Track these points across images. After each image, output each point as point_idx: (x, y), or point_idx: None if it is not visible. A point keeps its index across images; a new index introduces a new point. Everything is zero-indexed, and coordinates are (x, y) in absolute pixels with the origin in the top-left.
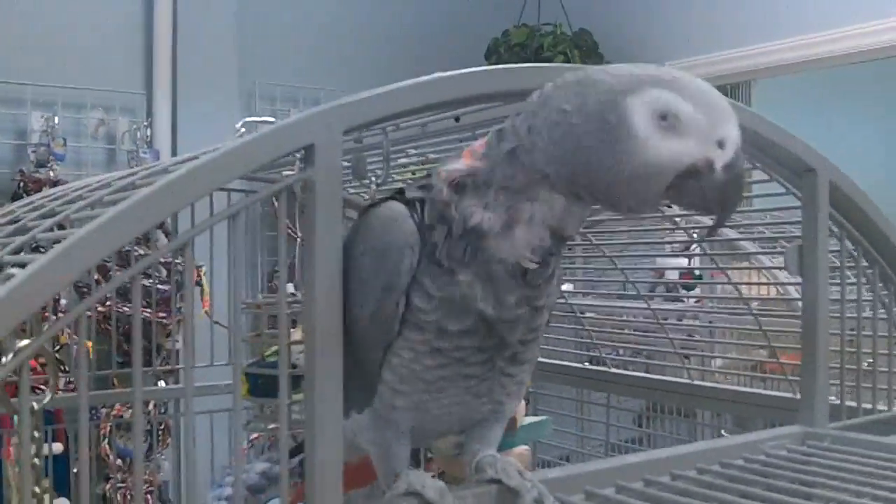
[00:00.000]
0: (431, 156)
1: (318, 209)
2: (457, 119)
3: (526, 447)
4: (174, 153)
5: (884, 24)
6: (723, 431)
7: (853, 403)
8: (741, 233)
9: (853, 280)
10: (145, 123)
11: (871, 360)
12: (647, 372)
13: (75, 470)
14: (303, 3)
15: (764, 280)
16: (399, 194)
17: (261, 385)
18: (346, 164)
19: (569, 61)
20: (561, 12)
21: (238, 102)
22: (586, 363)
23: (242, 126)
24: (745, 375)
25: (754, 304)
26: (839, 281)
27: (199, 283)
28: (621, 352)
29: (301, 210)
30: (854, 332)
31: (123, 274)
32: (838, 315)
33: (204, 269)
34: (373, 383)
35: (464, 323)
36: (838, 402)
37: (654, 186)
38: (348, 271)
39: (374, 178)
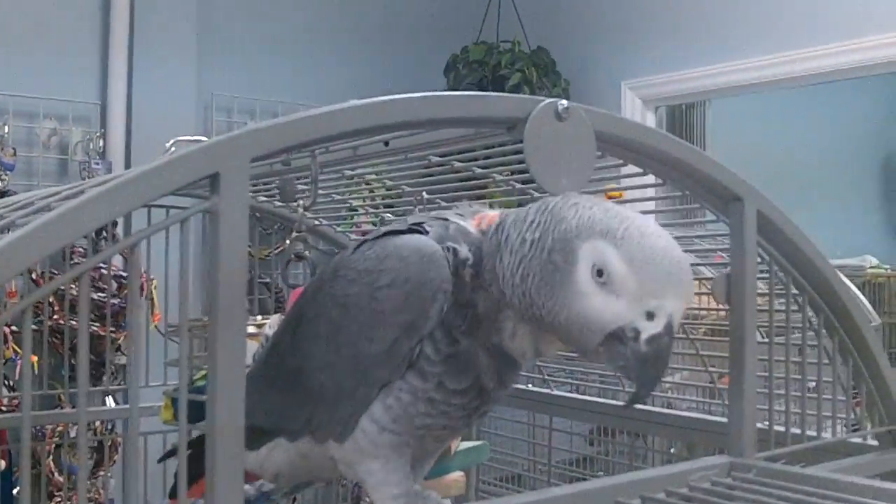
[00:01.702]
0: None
1: (222, 239)
2: (386, 143)
3: (461, 473)
4: (128, 165)
5: (841, 46)
6: (672, 450)
7: (782, 429)
8: (699, 257)
9: (782, 308)
10: (99, 134)
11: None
12: (599, 396)
13: (17, 490)
14: (262, 17)
15: (714, 304)
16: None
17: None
18: (275, 185)
19: (527, 79)
20: (520, 30)
21: (194, 114)
22: (529, 385)
23: (173, 145)
24: (695, 401)
25: (701, 330)
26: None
27: (150, 298)
28: (574, 373)
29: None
30: (784, 360)
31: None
32: (767, 341)
33: (156, 282)
34: (352, 417)
35: (461, 384)
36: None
37: (586, 339)
38: (352, 298)
39: (301, 201)
